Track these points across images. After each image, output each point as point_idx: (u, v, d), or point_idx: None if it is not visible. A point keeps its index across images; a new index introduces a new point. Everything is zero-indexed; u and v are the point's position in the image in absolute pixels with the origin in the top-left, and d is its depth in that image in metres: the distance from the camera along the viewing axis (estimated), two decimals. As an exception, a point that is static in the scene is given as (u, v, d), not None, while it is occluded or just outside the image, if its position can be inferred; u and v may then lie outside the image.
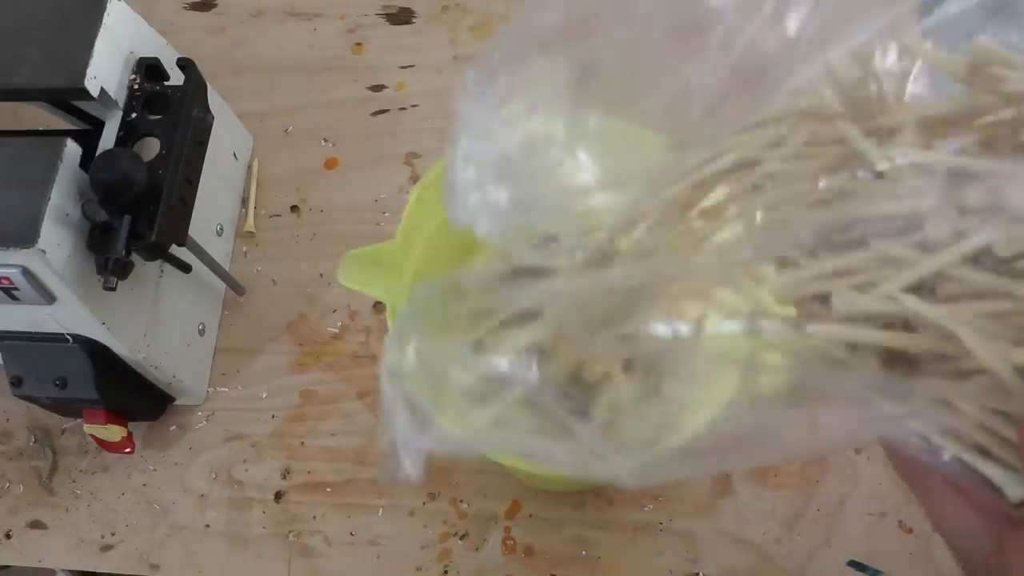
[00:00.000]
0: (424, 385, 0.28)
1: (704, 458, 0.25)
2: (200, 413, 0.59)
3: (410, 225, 0.42)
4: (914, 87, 0.25)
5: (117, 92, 0.49)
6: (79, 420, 0.54)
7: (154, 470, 0.58)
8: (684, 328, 0.25)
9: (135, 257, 0.47)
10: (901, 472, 0.26)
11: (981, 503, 0.23)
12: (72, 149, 0.45)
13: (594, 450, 0.26)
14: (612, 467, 0.25)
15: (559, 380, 0.29)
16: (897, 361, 0.23)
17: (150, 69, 0.51)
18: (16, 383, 0.51)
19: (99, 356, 0.50)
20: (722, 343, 0.25)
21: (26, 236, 0.42)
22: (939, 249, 0.22)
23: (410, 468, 0.26)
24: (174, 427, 0.59)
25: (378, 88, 0.69)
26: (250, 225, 0.64)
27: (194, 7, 0.75)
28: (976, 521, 0.23)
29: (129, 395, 0.54)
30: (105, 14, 0.48)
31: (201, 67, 0.52)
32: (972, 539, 0.23)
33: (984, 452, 0.22)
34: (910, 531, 0.51)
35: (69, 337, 0.49)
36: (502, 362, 0.27)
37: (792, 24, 0.24)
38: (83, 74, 0.46)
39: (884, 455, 0.53)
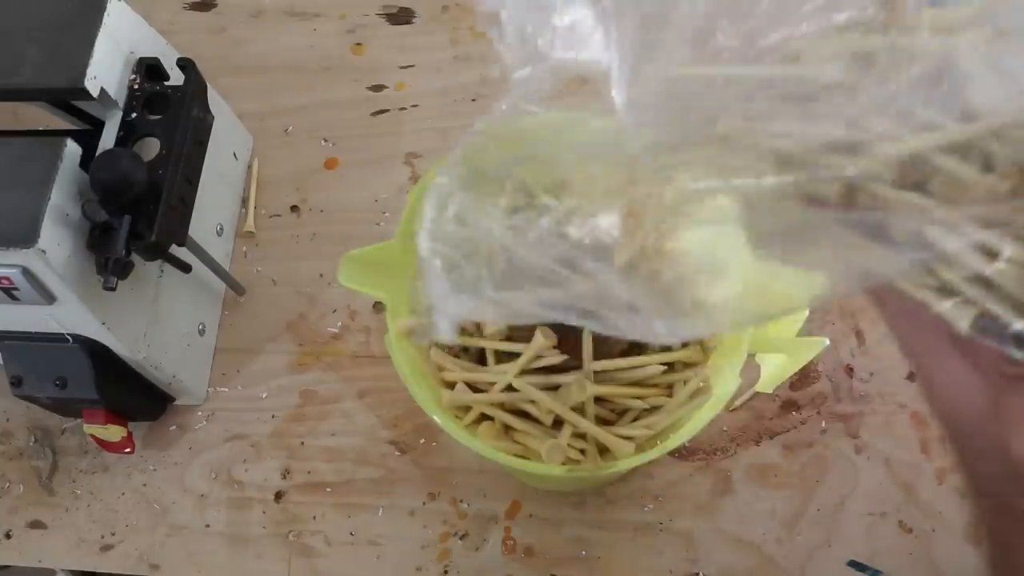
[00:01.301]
0: (461, 248, 0.28)
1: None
2: (200, 413, 0.59)
3: (409, 225, 0.42)
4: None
5: (117, 92, 0.49)
6: (79, 420, 0.54)
7: (154, 470, 0.58)
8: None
9: (135, 257, 0.47)
10: (895, 327, 0.25)
11: (978, 360, 0.23)
12: (72, 149, 0.45)
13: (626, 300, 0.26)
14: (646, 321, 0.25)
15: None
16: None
17: (150, 69, 0.51)
18: (16, 383, 0.51)
19: (99, 356, 0.50)
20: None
21: (26, 236, 0.42)
22: None
23: (444, 330, 0.28)
24: (174, 427, 0.59)
25: (378, 88, 0.69)
26: (250, 225, 0.64)
27: (194, 7, 0.75)
28: (971, 378, 0.23)
29: (129, 395, 0.54)
30: (105, 14, 0.48)
31: (201, 67, 0.52)
32: (965, 397, 0.24)
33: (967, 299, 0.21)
34: (910, 531, 0.51)
35: (69, 337, 0.49)
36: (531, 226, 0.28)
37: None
38: (83, 74, 0.46)
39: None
